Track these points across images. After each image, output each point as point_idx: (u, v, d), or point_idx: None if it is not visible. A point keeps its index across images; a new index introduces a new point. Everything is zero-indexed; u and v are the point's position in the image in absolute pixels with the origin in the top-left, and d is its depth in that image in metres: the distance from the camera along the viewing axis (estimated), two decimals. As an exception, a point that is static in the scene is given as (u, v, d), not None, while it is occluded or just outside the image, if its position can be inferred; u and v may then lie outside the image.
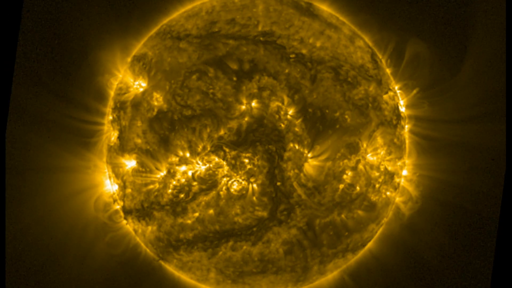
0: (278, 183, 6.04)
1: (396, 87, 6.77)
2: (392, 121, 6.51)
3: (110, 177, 6.69)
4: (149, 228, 6.49)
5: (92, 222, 6.81)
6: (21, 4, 6.65)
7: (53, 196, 6.74)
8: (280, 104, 6.02)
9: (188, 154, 6.05)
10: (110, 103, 6.72)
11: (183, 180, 6.11)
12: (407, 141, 6.78)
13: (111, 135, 6.56)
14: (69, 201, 6.76)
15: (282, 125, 6.01)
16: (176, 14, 6.79)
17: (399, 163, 6.64)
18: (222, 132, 5.98)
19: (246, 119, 5.99)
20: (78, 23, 6.70)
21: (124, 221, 6.78)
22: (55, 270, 6.84)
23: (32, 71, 6.68)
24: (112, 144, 6.53)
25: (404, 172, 6.83)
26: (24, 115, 6.71)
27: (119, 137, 6.40)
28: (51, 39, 6.71)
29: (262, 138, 5.97)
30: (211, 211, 6.13)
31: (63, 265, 6.83)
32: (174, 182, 6.14)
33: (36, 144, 6.71)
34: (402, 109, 6.75)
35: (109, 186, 6.83)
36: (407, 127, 6.78)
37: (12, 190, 6.74)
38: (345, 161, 6.17)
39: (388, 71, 6.76)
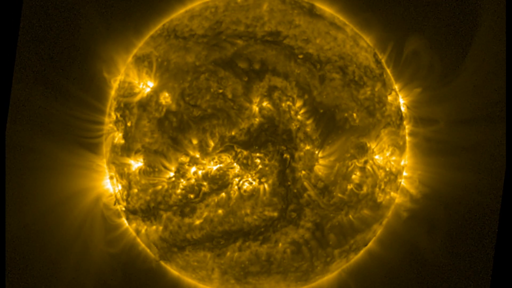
0: (289, 183, 6.04)
1: (397, 87, 6.81)
2: (396, 122, 6.55)
3: (113, 177, 6.65)
4: (153, 228, 6.46)
5: (92, 222, 6.76)
6: (21, 2, 6.58)
7: (53, 196, 6.69)
8: (290, 104, 6.02)
9: (198, 155, 6.03)
10: (113, 102, 6.67)
11: (193, 181, 6.09)
12: (407, 142, 6.82)
13: (115, 135, 6.51)
14: (69, 201, 6.71)
15: (293, 125, 6.02)
16: (177, 14, 6.76)
17: (402, 163, 6.69)
18: (233, 132, 5.97)
19: (257, 119, 5.98)
20: (77, 21, 6.64)
21: (126, 221, 6.75)
22: (55, 270, 6.79)
23: (32, 70, 6.61)
24: (116, 144, 6.48)
25: (405, 173, 6.88)
26: (24, 114, 6.64)
27: (124, 137, 6.35)
28: (51, 38, 6.65)
29: (273, 138, 5.97)
30: (220, 211, 6.12)
31: (63, 264, 6.78)
32: (184, 182, 6.12)
33: (36, 144, 6.65)
34: (403, 109, 6.79)
35: (110, 186, 6.78)
36: (407, 127, 6.82)
37: (12, 190, 6.67)
38: (354, 161, 6.20)
39: (389, 71, 6.79)
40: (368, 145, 6.28)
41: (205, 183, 6.08)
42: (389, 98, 6.58)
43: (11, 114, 6.60)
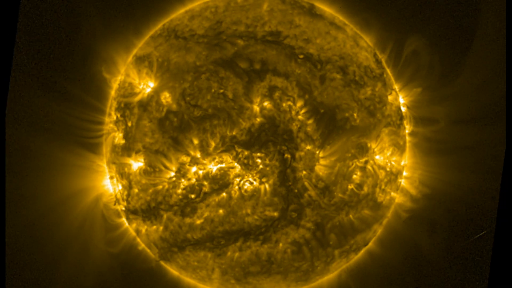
0: (289, 183, 6.04)
1: (397, 87, 6.81)
2: (397, 122, 6.56)
3: (113, 177, 6.64)
4: (154, 228, 6.45)
5: (92, 222, 6.76)
6: (19, 2, 6.58)
7: (53, 196, 6.68)
8: (291, 104, 6.03)
9: (199, 154, 6.03)
10: (113, 102, 6.67)
11: (194, 180, 6.08)
12: (408, 142, 6.83)
13: (116, 135, 6.50)
14: (69, 201, 6.70)
15: (294, 125, 6.02)
16: (177, 14, 6.75)
17: (402, 163, 6.69)
18: (234, 132, 5.97)
19: (258, 119, 5.98)
20: (77, 21, 6.64)
21: (126, 221, 6.75)
22: (55, 270, 6.78)
23: (31, 70, 6.61)
24: (116, 144, 6.47)
25: (405, 173, 6.88)
26: (24, 114, 6.63)
27: (124, 137, 6.35)
28: (50, 38, 6.64)
29: (274, 138, 5.97)
30: (221, 211, 6.12)
31: (63, 264, 6.77)
32: (185, 182, 6.11)
33: (36, 144, 6.64)
34: (403, 109, 6.80)
35: (110, 186, 6.78)
36: (407, 127, 6.82)
37: (12, 190, 6.66)
38: (355, 161, 6.20)
39: (389, 71, 6.79)
40: (369, 145, 6.28)
41: (206, 183, 6.08)
42: (389, 98, 6.58)
43: (10, 114, 6.58)
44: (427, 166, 6.85)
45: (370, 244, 6.91)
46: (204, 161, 6.04)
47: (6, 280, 6.71)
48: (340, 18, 6.74)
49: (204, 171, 6.07)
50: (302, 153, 6.06)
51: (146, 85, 6.35)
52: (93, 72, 6.68)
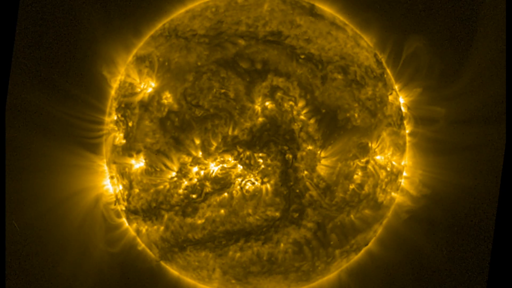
0: (291, 183, 6.04)
1: (397, 88, 6.81)
2: (397, 122, 6.56)
3: (113, 177, 6.63)
4: (155, 228, 6.45)
5: (92, 222, 6.75)
6: (18, 2, 6.57)
7: (53, 196, 6.67)
8: (293, 104, 6.02)
9: (200, 154, 6.02)
10: (113, 103, 6.66)
11: (195, 180, 6.08)
12: (408, 142, 6.83)
13: (116, 135, 6.49)
14: (69, 201, 6.69)
15: (296, 125, 6.01)
16: (177, 14, 6.75)
17: (402, 163, 6.70)
18: (235, 132, 5.96)
19: (259, 119, 5.98)
20: (77, 21, 6.63)
21: (126, 221, 6.74)
22: (55, 270, 6.78)
23: (31, 70, 6.60)
24: (117, 144, 6.46)
25: (405, 173, 6.88)
26: (24, 114, 6.62)
27: (125, 137, 6.34)
28: (50, 38, 6.63)
29: (275, 138, 5.97)
30: (222, 211, 6.11)
31: (63, 264, 6.76)
32: (186, 183, 6.11)
33: (36, 144, 6.63)
34: (403, 109, 6.80)
35: (110, 186, 6.77)
36: (407, 127, 6.83)
37: (12, 190, 6.65)
38: (356, 161, 6.20)
39: (389, 71, 6.80)
40: (370, 145, 6.28)
41: (207, 183, 6.07)
42: (390, 98, 6.58)
43: (10, 114, 6.57)
44: (427, 166, 6.86)
45: (370, 244, 6.90)
46: (206, 161, 6.03)
47: (6, 280, 6.70)
48: (340, 18, 6.74)
49: (206, 171, 6.06)
50: (304, 153, 6.06)
51: (147, 85, 6.34)
52: (93, 72, 6.66)
